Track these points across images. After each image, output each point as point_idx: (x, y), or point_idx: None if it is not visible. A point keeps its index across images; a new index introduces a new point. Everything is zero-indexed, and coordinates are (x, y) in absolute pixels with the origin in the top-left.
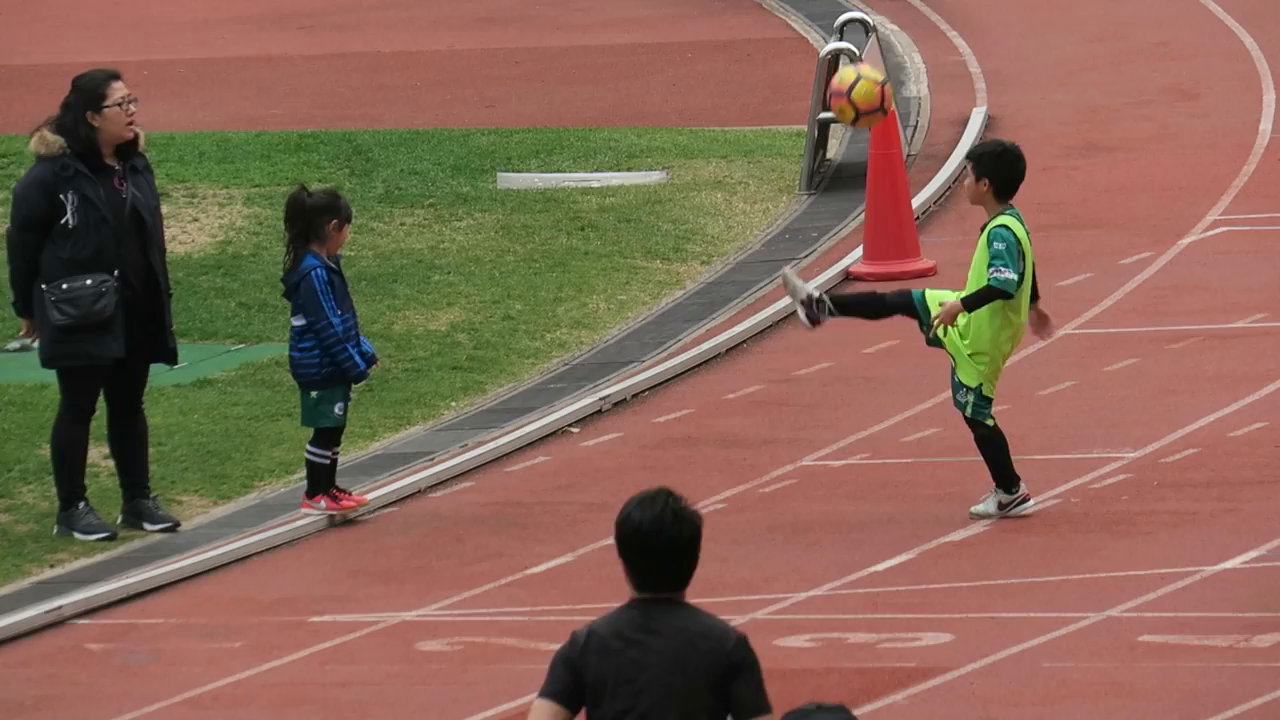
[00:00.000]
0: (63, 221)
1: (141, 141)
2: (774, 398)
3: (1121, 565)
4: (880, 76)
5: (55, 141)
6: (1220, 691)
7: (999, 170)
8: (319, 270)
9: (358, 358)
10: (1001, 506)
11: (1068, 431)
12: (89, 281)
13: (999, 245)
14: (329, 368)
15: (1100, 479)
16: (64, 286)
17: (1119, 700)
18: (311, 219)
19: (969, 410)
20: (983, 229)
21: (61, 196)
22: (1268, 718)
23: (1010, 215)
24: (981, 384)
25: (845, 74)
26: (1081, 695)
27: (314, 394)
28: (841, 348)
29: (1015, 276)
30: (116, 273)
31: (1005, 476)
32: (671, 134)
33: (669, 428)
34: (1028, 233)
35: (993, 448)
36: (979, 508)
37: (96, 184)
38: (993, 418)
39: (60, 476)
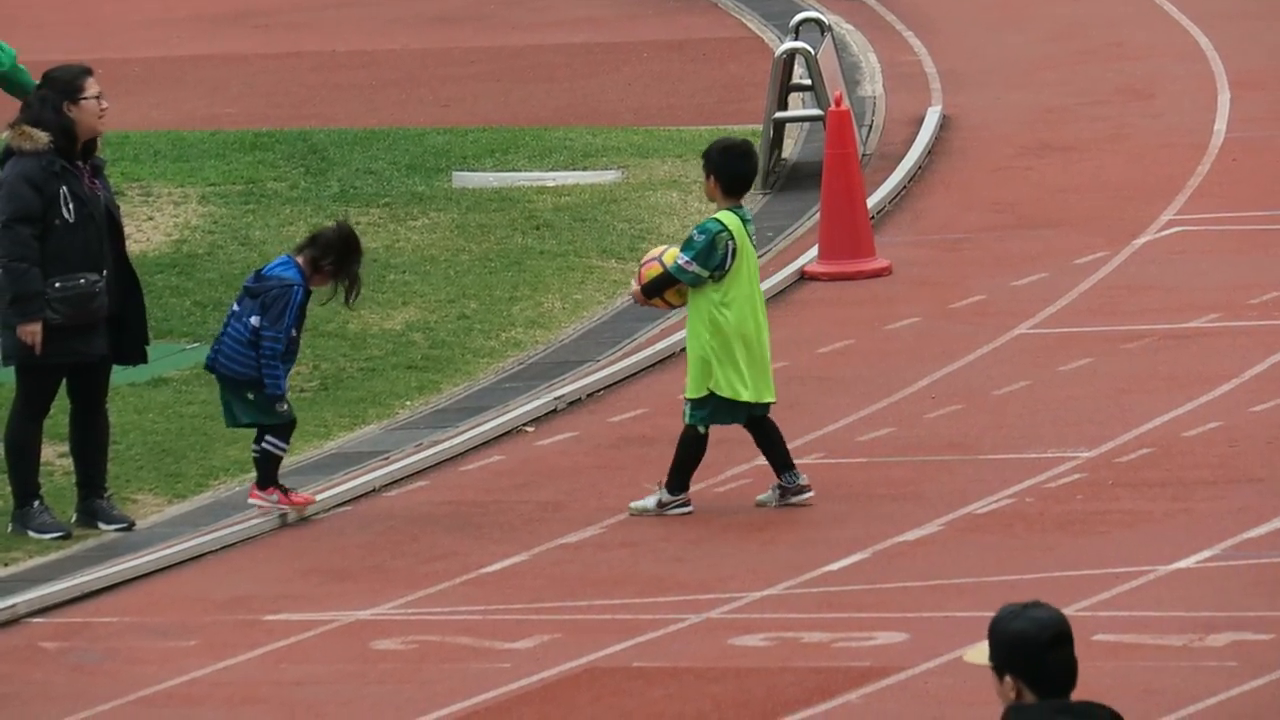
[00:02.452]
0: (55, 219)
1: (99, 140)
2: None
3: (1076, 564)
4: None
5: (41, 136)
6: (1174, 690)
7: (725, 167)
8: (300, 290)
9: (282, 381)
10: (661, 505)
11: (1022, 431)
12: (83, 281)
13: (697, 236)
14: (257, 372)
15: (1055, 478)
16: (56, 285)
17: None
18: (349, 261)
19: (686, 414)
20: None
21: (51, 192)
22: (1221, 717)
23: (731, 212)
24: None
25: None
26: None
27: (250, 395)
28: (797, 348)
29: (702, 272)
30: (104, 273)
31: (682, 482)
32: (627, 133)
33: (624, 427)
34: (751, 234)
35: (691, 451)
36: (638, 504)
37: (80, 180)
38: (705, 425)
39: (14, 475)
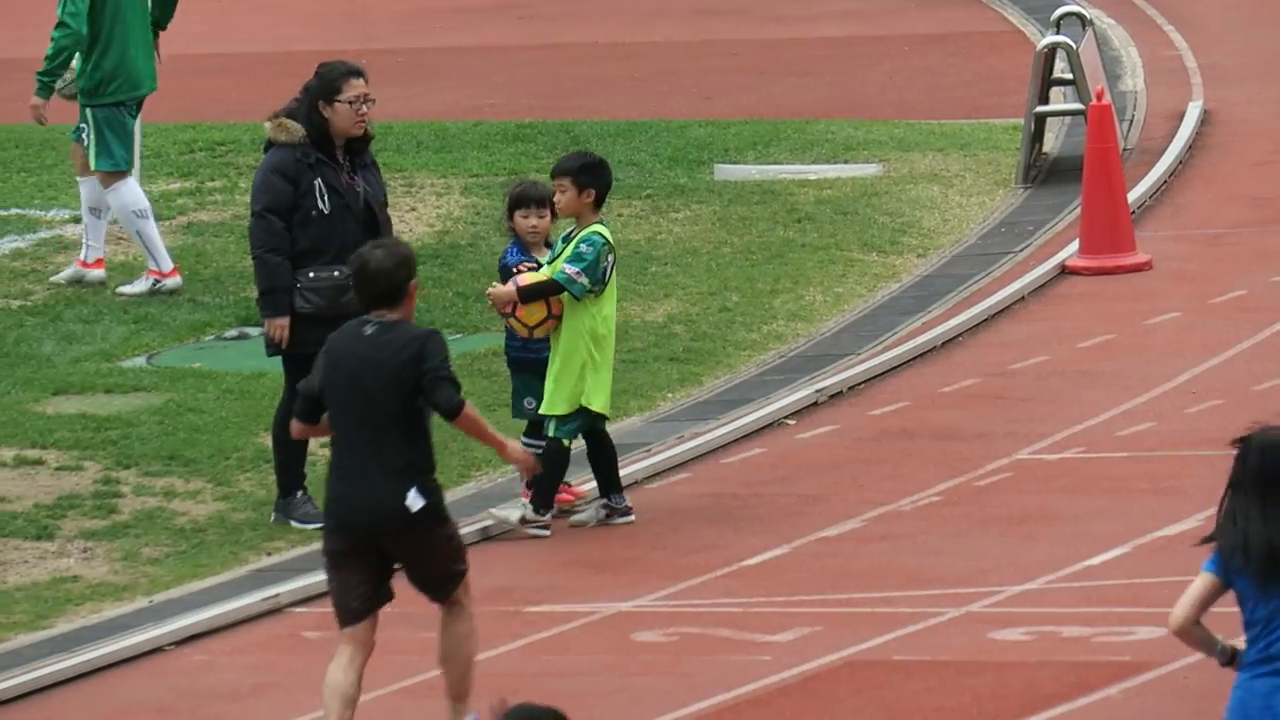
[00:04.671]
0: (311, 210)
1: (371, 138)
2: (989, 391)
3: None
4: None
5: (296, 129)
6: None
7: (600, 181)
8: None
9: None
10: (524, 521)
11: None
12: (336, 274)
13: (585, 249)
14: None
15: None
16: (310, 275)
17: None
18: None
19: (551, 429)
20: (567, 237)
21: (306, 184)
22: None
23: (604, 225)
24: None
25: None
26: None
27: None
28: (1057, 342)
29: (587, 284)
30: None
31: (549, 499)
32: (888, 126)
33: (884, 420)
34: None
35: (561, 467)
36: (500, 511)
37: (337, 174)
38: (571, 438)
39: (279, 465)
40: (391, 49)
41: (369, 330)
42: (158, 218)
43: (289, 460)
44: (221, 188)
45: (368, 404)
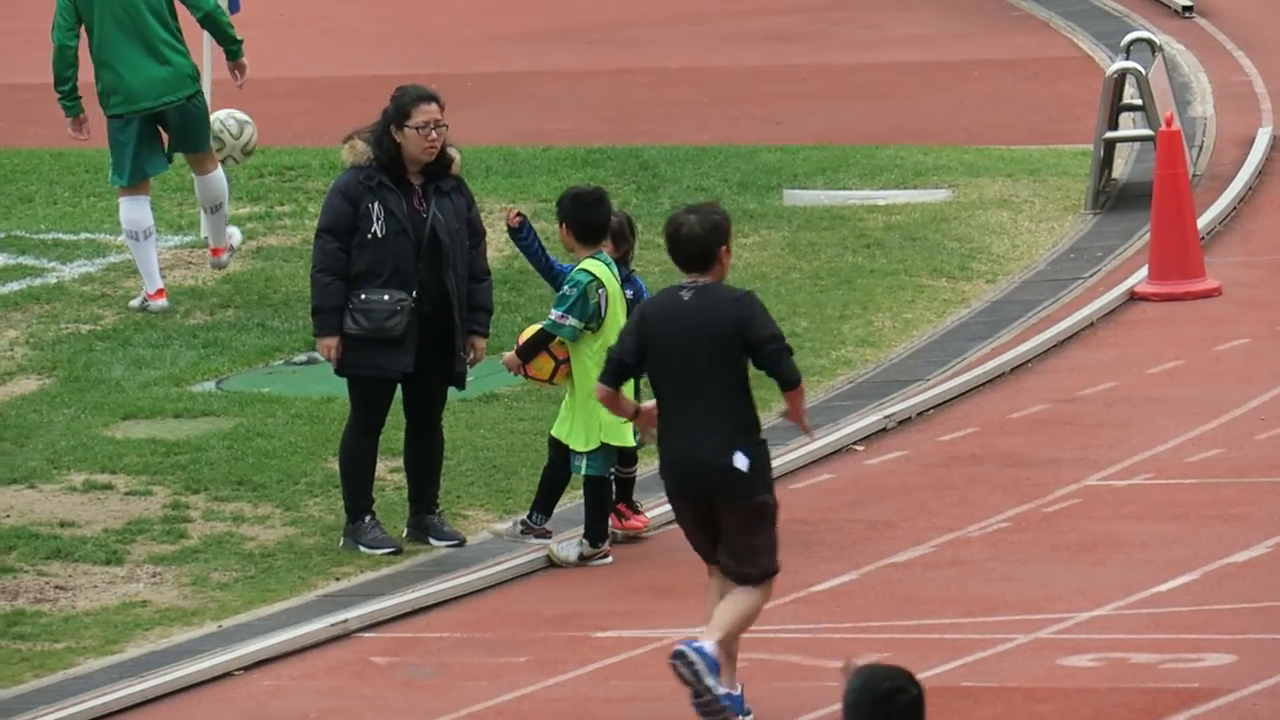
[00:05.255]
0: (367, 233)
1: (455, 165)
2: (1058, 417)
3: None
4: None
5: (363, 151)
6: None
7: (575, 215)
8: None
9: None
10: (583, 559)
11: None
12: (386, 297)
13: (568, 289)
14: None
15: None
16: (362, 297)
17: None
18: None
19: (584, 467)
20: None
21: (365, 206)
22: None
23: (596, 260)
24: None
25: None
26: None
27: None
28: (1126, 368)
29: (578, 324)
30: (414, 293)
31: (604, 530)
32: (957, 152)
33: (953, 446)
34: (616, 276)
35: (602, 502)
36: (560, 551)
37: (400, 197)
38: (608, 469)
39: (346, 489)
40: (461, 74)
41: (686, 295)
42: None
43: (357, 485)
44: (290, 212)
45: (692, 367)
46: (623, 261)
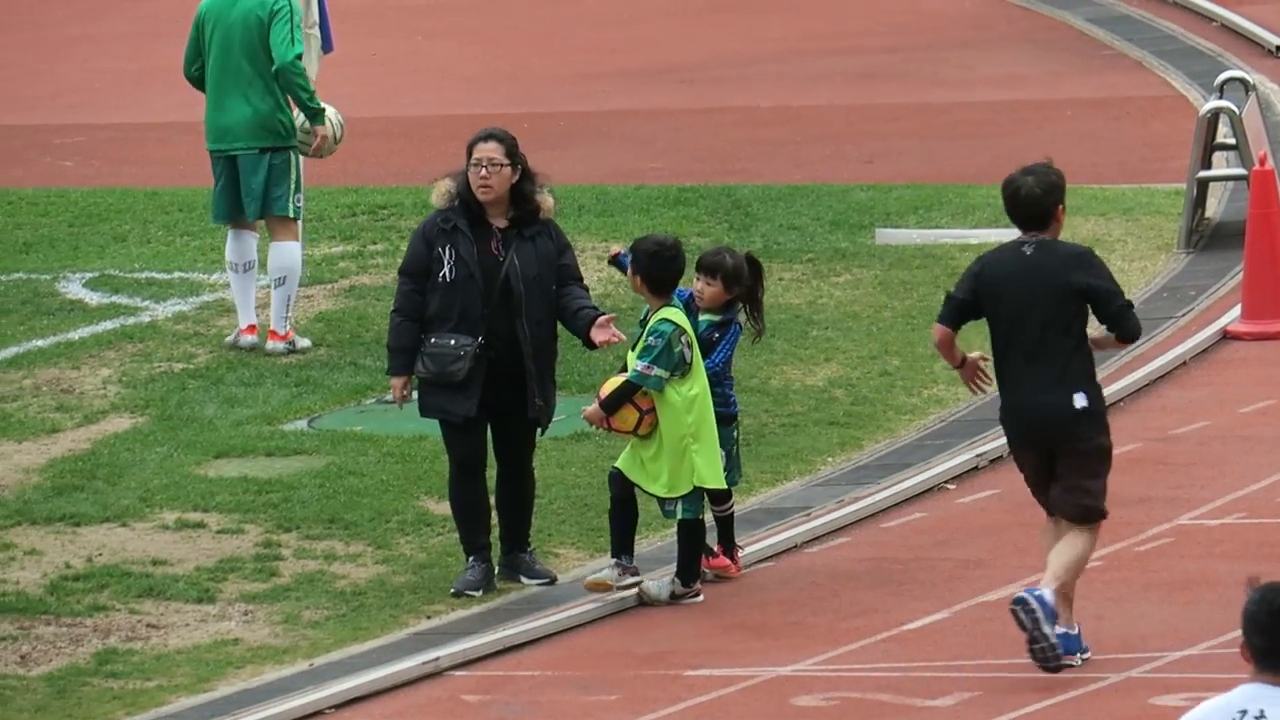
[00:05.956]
0: (438, 276)
1: (544, 210)
2: (1151, 456)
3: None
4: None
5: (446, 192)
6: None
7: (649, 269)
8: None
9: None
10: (674, 597)
11: None
12: (452, 342)
13: (653, 340)
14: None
15: None
16: (431, 341)
17: None
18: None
19: (679, 511)
20: (643, 321)
21: (438, 249)
22: None
23: (674, 308)
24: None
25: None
26: None
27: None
28: (1219, 407)
29: (664, 374)
30: (481, 339)
31: (696, 570)
32: None
33: None
34: (694, 324)
35: (695, 542)
36: (652, 588)
37: (473, 242)
38: (700, 512)
39: (457, 529)
40: (554, 113)
41: (1028, 250)
42: (320, 280)
43: (460, 525)
44: (383, 251)
45: (1033, 317)
46: (734, 303)
